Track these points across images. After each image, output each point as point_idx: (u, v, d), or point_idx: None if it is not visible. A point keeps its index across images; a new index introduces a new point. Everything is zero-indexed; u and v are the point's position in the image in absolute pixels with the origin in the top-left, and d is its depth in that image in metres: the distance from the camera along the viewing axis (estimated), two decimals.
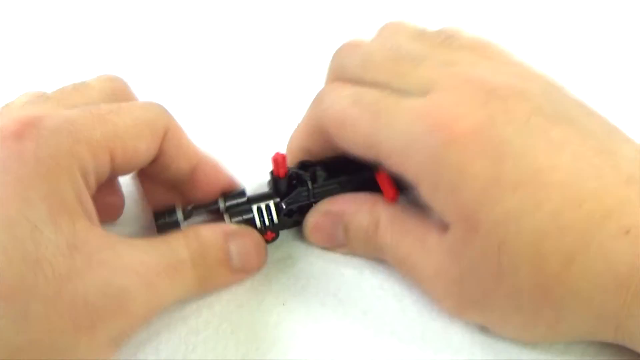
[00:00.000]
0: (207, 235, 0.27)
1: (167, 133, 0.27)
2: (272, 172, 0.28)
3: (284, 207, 0.29)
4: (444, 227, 0.25)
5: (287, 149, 0.32)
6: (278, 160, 0.27)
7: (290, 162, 0.30)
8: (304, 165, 0.29)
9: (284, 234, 0.31)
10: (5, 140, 0.23)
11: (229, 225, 0.29)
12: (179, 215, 0.28)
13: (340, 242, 0.30)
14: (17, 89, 0.40)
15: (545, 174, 0.23)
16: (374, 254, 0.29)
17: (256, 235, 0.29)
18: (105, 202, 0.28)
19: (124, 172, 0.28)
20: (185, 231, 0.27)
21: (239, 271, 0.29)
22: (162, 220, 0.28)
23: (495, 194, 0.23)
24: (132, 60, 0.44)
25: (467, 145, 0.24)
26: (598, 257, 0.22)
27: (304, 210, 0.30)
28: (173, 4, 0.48)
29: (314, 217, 0.30)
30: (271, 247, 0.30)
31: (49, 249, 0.22)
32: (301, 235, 0.31)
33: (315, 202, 0.30)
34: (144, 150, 0.27)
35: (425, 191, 0.25)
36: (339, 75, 0.30)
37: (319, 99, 0.30)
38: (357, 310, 0.28)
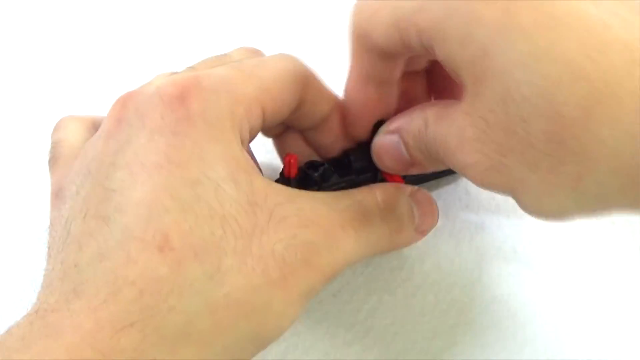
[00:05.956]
0: (394, 189, 0.27)
1: (307, 82, 0.27)
2: (282, 173, 0.28)
3: None
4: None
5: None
6: (290, 161, 0.27)
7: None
8: (312, 165, 0.29)
9: None
10: (170, 103, 0.23)
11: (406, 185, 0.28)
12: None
13: (407, 160, 0.28)
14: (18, 89, 0.38)
15: (564, 19, 0.20)
16: (435, 160, 0.27)
17: (430, 195, 0.29)
18: None
19: (272, 124, 0.27)
20: (370, 185, 0.27)
21: (419, 230, 0.28)
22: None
23: (503, 40, 0.21)
24: (134, 60, 0.41)
25: None
26: (626, 103, 0.19)
27: None
28: (176, 5, 0.47)
29: (377, 139, 0.29)
30: None
31: (232, 207, 0.22)
32: None
33: None
34: (290, 101, 0.26)
35: (438, 48, 0.23)
36: None
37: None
38: (357, 311, 0.29)
